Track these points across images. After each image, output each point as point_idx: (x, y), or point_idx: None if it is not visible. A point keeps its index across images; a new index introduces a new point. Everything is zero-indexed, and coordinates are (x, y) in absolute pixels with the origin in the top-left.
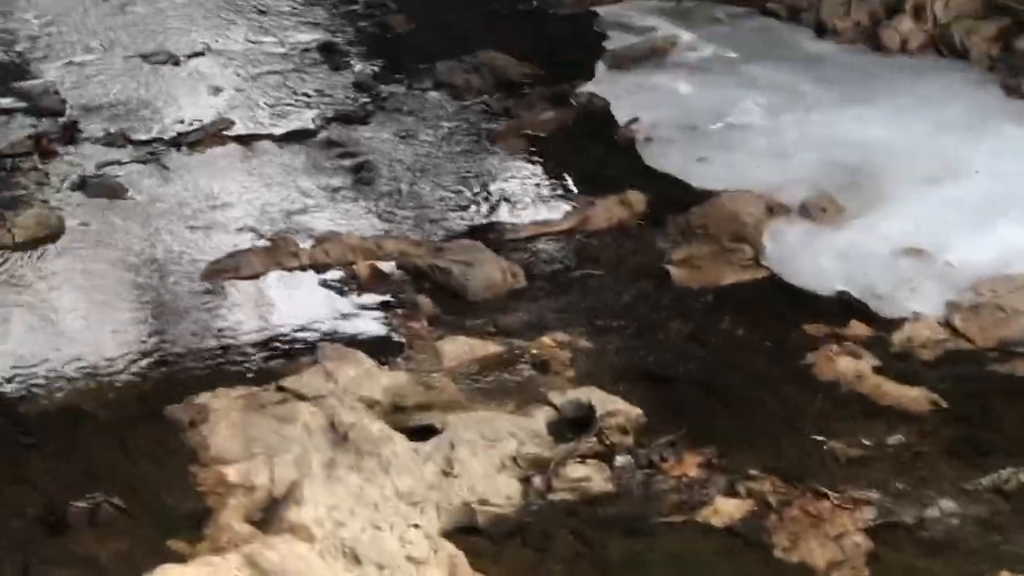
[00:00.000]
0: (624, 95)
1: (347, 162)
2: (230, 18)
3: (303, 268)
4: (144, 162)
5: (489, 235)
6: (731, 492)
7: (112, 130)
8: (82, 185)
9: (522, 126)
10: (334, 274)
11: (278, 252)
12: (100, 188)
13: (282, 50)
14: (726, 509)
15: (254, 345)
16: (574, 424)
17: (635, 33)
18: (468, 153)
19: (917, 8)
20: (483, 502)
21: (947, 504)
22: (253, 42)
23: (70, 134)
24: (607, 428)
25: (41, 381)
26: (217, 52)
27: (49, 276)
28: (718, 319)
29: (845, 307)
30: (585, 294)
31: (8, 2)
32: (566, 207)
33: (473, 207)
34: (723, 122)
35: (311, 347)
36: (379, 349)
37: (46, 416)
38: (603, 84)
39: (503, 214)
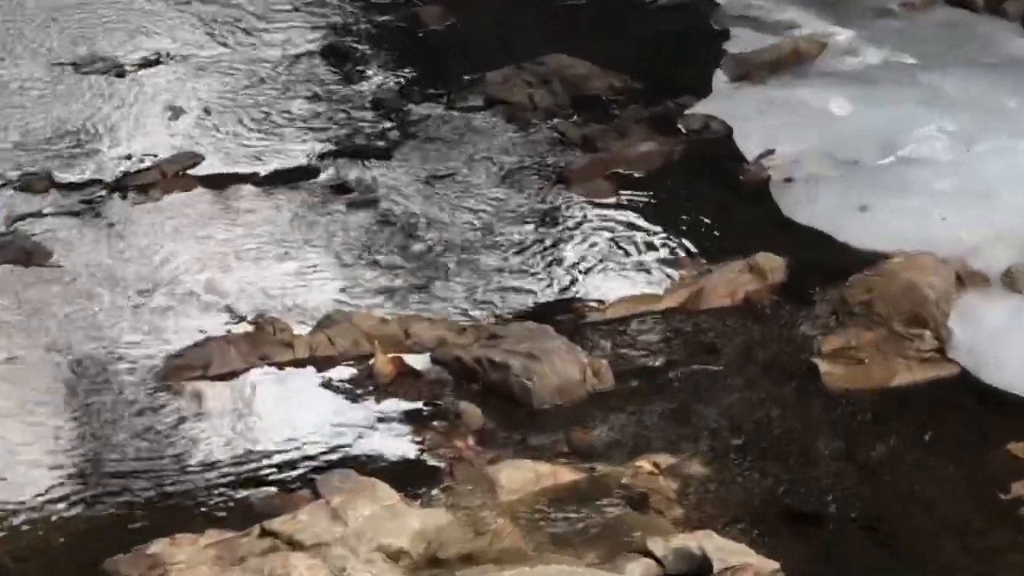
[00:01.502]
0: (753, 117)
1: (360, 213)
2: (196, 11)
3: (298, 363)
4: (75, 214)
5: (562, 316)
6: None
7: (29, 169)
8: None
9: (609, 162)
10: (342, 371)
11: (263, 341)
12: (11, 251)
13: (271, 55)
14: None
15: (230, 472)
16: None
17: (768, 30)
18: (532, 200)
19: None
20: None
21: None
22: (228, 44)
23: None
24: None
25: None
26: (178, 58)
27: None
28: (887, 434)
29: None
30: (698, 400)
31: None
32: (670, 276)
33: (539, 276)
34: (894, 155)
35: (310, 475)
36: (407, 477)
37: None
38: (724, 102)
39: (581, 286)
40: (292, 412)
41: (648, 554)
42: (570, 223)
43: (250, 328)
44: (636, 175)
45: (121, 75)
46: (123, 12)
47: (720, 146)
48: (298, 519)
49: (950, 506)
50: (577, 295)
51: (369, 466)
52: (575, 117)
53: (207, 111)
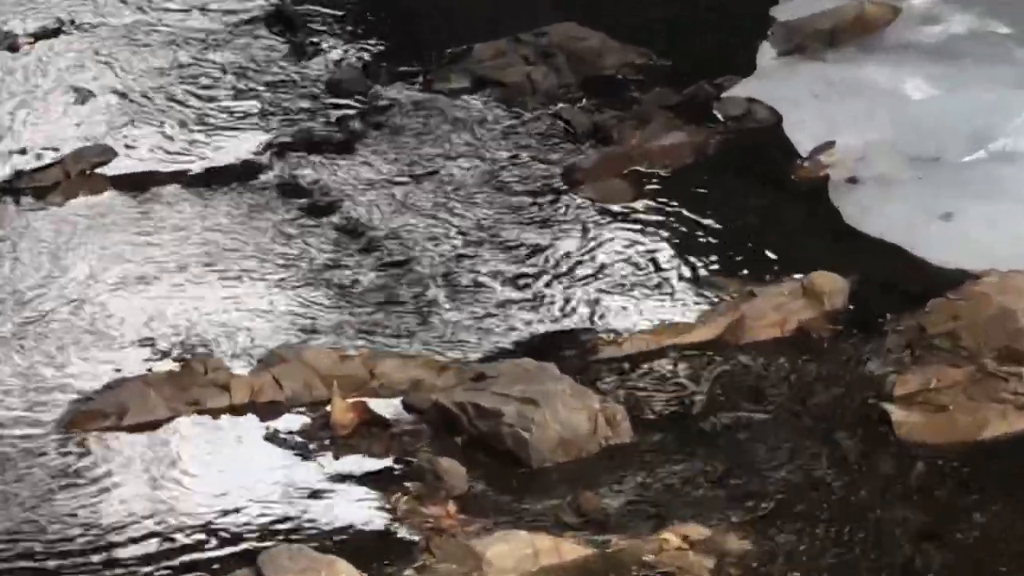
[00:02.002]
0: (808, 101)
1: (315, 222)
2: None
3: (237, 410)
4: None
5: (567, 350)
6: None
7: None
8: None
9: (627, 157)
10: (292, 420)
11: (192, 382)
12: None
13: (203, 23)
14: None
15: (150, 547)
16: None
17: None
18: (530, 205)
19: None
20: None
21: None
22: (149, 9)
23: None
24: None
25: None
26: (85, 27)
27: None
28: (976, 499)
29: None
30: (738, 456)
31: None
32: (703, 301)
33: (539, 300)
34: (985, 149)
35: (250, 551)
36: (373, 552)
37: None
38: (771, 82)
39: (592, 313)
40: (229, 471)
41: None
42: (578, 233)
43: (176, 366)
44: (661, 174)
45: (13, 49)
46: None
47: (766, 137)
48: None
49: None
50: (587, 324)
51: (325, 539)
52: (585, 101)
53: (122, 94)
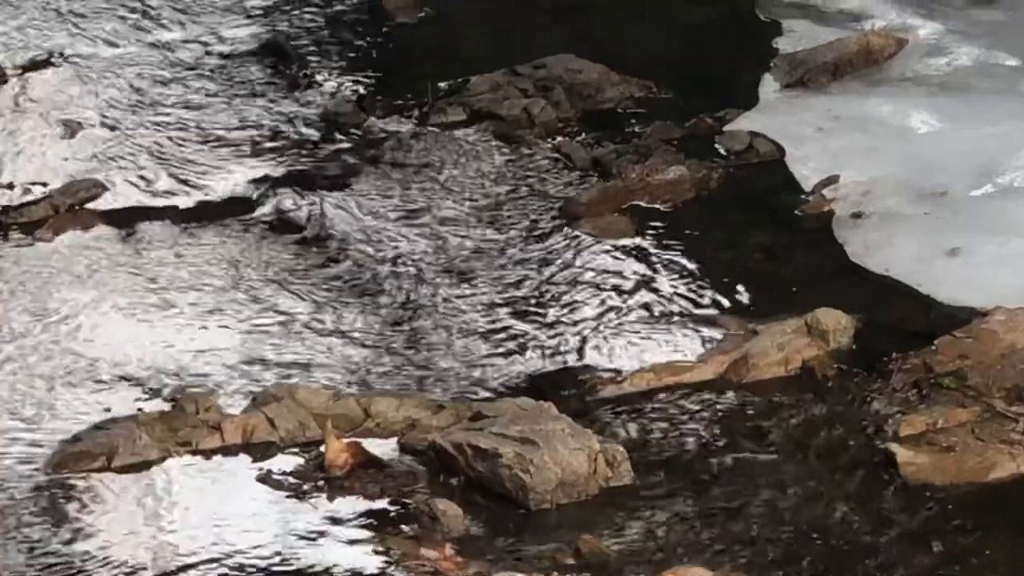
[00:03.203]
0: (812, 135)
1: (307, 258)
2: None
3: (229, 451)
4: None
5: (566, 390)
6: None
7: None
8: None
9: (627, 192)
10: (285, 461)
11: (184, 422)
12: None
13: (195, 55)
14: None
15: None
16: None
17: (831, 23)
18: (528, 241)
19: None
20: None
21: None
22: (141, 41)
23: None
24: None
25: None
26: (74, 59)
27: None
28: (985, 543)
29: None
30: (741, 497)
31: None
32: (705, 339)
33: (537, 338)
34: (993, 183)
35: None
36: None
37: None
38: (774, 115)
39: (591, 352)
40: (220, 513)
41: None
42: (577, 270)
43: (167, 406)
44: (662, 209)
45: (2, 80)
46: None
47: (769, 172)
48: None
49: None
50: (586, 363)
51: None
52: (584, 135)
53: (112, 127)
